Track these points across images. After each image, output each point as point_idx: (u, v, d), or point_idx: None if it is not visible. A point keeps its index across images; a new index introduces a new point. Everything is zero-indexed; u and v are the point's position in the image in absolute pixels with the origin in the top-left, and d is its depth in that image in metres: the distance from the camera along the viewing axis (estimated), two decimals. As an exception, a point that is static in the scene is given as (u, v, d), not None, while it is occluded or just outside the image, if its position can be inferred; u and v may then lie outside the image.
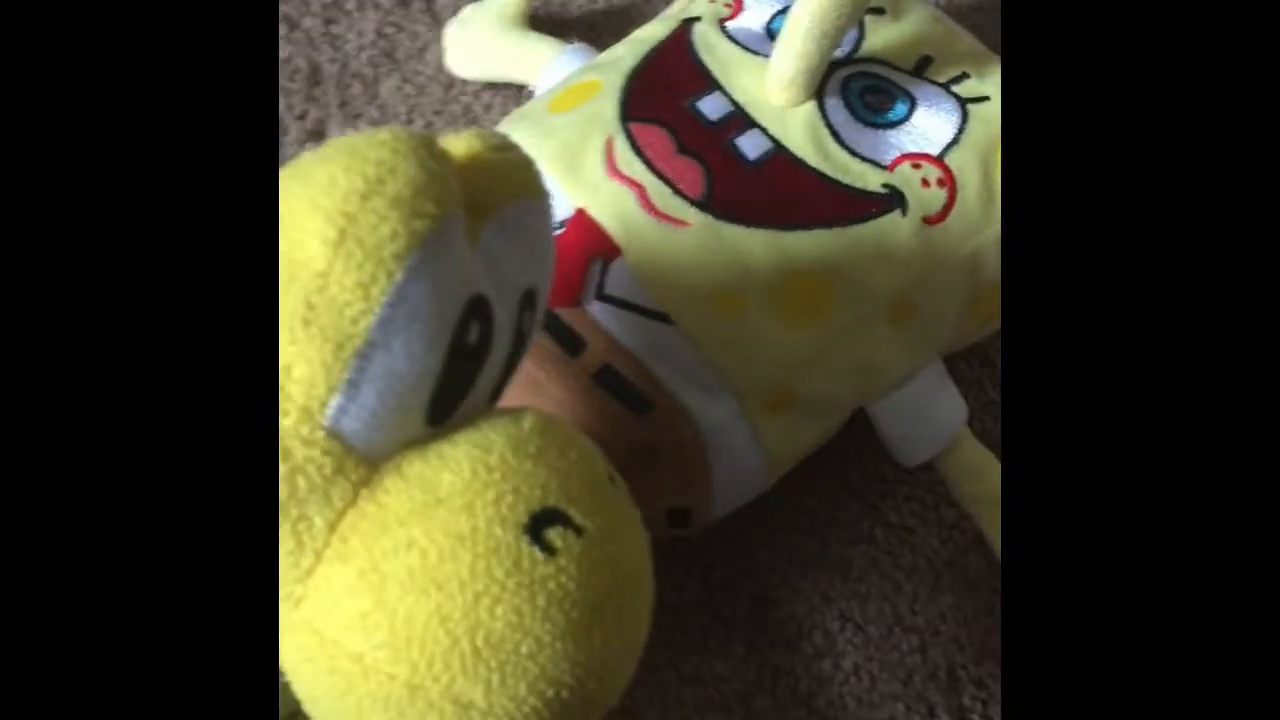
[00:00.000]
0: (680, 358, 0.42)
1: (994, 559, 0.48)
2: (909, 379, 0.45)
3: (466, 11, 0.59)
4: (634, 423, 0.42)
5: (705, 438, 0.42)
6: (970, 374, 0.51)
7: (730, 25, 0.48)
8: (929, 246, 0.44)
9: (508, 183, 0.32)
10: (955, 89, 0.47)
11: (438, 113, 0.58)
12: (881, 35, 0.48)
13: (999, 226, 0.45)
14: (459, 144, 0.31)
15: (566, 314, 0.42)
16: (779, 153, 0.44)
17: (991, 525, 0.47)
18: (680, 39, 0.48)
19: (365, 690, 0.29)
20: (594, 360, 0.42)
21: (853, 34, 0.47)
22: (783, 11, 0.48)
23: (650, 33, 0.49)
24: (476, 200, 0.30)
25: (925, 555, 0.49)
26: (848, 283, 0.43)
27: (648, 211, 0.43)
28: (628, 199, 0.44)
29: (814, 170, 0.44)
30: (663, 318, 0.42)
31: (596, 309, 0.43)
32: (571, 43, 0.55)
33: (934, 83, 0.47)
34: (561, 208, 0.44)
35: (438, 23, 0.60)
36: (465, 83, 0.59)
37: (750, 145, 0.45)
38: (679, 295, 0.43)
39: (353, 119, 0.58)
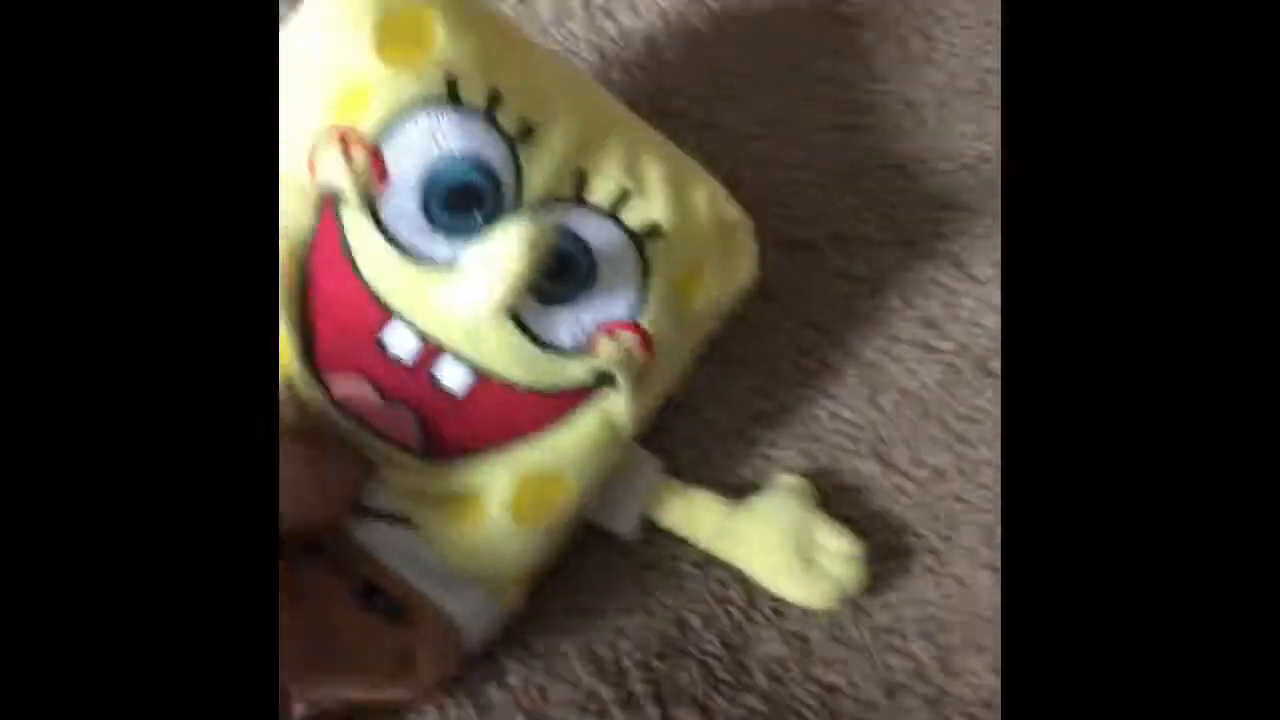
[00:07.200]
0: (427, 560, 0.43)
1: (785, 633, 0.49)
2: None
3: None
4: (392, 629, 0.43)
5: (461, 629, 0.44)
6: (663, 419, 0.50)
7: (384, 212, 0.42)
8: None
9: None
10: (624, 217, 0.43)
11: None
12: (536, 165, 0.42)
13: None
14: None
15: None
16: (481, 379, 0.43)
17: (734, 555, 0.48)
18: (330, 233, 0.42)
19: None
20: (350, 573, 0.43)
21: (512, 174, 0.42)
22: (436, 169, 0.41)
23: (294, 219, 0.42)
24: None
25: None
26: (581, 470, 0.44)
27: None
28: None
29: (522, 385, 0.43)
30: (405, 521, 0.43)
31: (350, 521, 0.43)
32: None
33: (599, 211, 0.43)
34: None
35: None
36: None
37: (450, 376, 0.43)
38: (418, 504, 0.43)
39: None
